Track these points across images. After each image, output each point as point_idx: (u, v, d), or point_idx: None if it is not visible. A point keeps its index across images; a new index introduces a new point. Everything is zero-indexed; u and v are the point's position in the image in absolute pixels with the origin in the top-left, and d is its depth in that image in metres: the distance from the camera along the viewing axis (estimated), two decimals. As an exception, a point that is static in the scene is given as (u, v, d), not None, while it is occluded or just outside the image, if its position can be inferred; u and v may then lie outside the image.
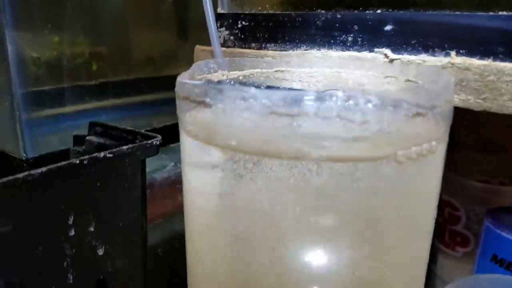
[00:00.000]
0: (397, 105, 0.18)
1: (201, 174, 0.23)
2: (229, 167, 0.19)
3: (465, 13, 0.29)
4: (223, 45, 0.42)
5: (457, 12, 0.29)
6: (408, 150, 0.19)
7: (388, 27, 0.32)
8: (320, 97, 0.17)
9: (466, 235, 0.49)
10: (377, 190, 0.19)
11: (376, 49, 0.33)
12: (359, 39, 0.33)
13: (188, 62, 0.36)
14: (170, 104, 0.56)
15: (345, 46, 0.34)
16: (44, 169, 0.24)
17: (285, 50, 0.37)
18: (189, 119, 0.21)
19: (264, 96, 0.17)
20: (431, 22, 0.30)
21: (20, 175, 0.23)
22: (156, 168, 0.47)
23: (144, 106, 0.54)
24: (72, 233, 0.27)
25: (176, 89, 0.22)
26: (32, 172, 0.23)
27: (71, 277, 0.27)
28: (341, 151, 0.18)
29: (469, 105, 0.29)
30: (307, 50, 0.36)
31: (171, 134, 0.53)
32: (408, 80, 0.28)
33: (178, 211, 0.52)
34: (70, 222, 0.26)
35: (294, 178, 0.18)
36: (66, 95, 0.45)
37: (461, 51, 0.29)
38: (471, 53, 0.29)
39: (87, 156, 0.26)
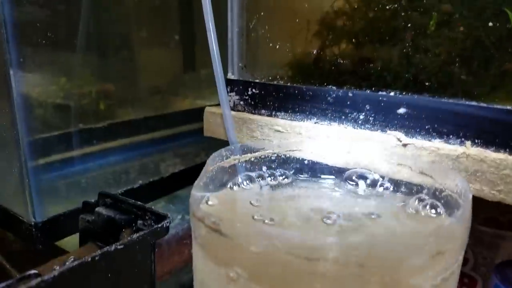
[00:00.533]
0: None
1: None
2: None
3: (482, 104, 0.29)
4: (233, 108, 0.42)
5: (474, 103, 0.29)
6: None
7: (401, 110, 0.32)
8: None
9: (473, 277, 0.49)
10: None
11: (388, 131, 0.32)
12: (371, 118, 0.33)
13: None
14: (177, 140, 0.55)
15: (356, 123, 0.34)
16: (56, 273, 0.24)
17: (296, 120, 0.37)
18: (203, 233, 0.21)
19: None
20: (446, 109, 0.30)
21: (33, 283, 0.23)
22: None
23: (152, 145, 0.53)
24: (82, 327, 0.26)
25: (190, 201, 0.22)
26: (45, 278, 0.23)
27: None
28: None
29: (483, 195, 0.29)
30: (317, 122, 0.36)
31: (178, 181, 0.53)
32: (422, 173, 0.28)
33: (185, 265, 0.51)
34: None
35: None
36: (74, 139, 0.45)
37: (476, 141, 0.29)
38: (486, 144, 0.29)
39: (98, 252, 0.26)
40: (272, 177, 0.30)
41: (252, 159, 0.31)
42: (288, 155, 0.32)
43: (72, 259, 0.28)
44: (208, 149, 0.54)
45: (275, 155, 0.31)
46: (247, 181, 0.29)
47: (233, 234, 0.19)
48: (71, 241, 0.41)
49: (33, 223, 0.39)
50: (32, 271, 0.28)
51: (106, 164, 0.48)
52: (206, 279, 0.23)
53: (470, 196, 0.22)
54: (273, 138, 0.38)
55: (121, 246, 0.27)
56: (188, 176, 0.54)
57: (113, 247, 0.27)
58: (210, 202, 0.23)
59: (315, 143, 0.32)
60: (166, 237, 0.46)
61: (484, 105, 0.29)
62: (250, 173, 0.29)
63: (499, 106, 0.28)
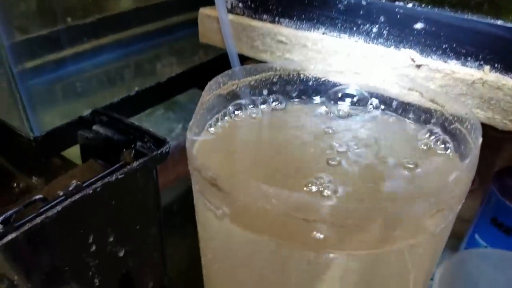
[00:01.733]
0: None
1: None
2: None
3: (508, 24, 0.26)
4: (230, 11, 0.38)
5: (499, 22, 0.26)
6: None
7: (418, 25, 0.29)
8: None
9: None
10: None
11: (402, 48, 0.30)
12: (385, 32, 0.30)
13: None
14: (172, 33, 0.51)
15: (368, 37, 0.31)
16: (59, 208, 0.24)
17: (301, 30, 0.34)
18: (201, 181, 0.21)
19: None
20: (467, 27, 0.27)
21: (38, 220, 0.23)
22: (164, 133, 0.46)
23: (145, 40, 0.50)
24: (93, 248, 0.28)
25: (186, 145, 0.21)
26: (49, 214, 0.24)
27: (97, 281, 0.29)
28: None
29: (494, 123, 0.28)
30: (325, 33, 0.33)
31: (176, 85, 0.51)
32: (433, 101, 0.26)
33: (189, 173, 0.52)
34: (90, 240, 0.27)
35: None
36: (62, 37, 0.42)
37: (496, 66, 0.27)
38: (506, 69, 0.26)
39: (99, 183, 0.26)
40: (266, 103, 0.28)
41: (252, 82, 0.29)
42: (290, 77, 0.29)
43: (74, 184, 0.28)
44: (206, 47, 0.50)
45: (278, 76, 0.29)
46: (241, 109, 0.27)
47: (231, 190, 0.18)
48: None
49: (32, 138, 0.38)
50: (38, 196, 0.29)
51: (99, 65, 0.45)
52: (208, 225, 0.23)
53: (480, 141, 0.21)
54: (275, 50, 0.35)
55: (122, 175, 0.27)
56: (186, 80, 0.52)
57: (113, 177, 0.27)
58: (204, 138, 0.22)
59: (321, 65, 0.29)
60: (168, 148, 0.47)
61: (511, 25, 0.25)
62: (241, 101, 0.28)
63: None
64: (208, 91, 0.26)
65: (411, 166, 0.22)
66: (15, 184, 0.42)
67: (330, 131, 0.26)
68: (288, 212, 0.17)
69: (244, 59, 0.38)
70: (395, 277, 0.20)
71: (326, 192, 0.19)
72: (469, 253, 0.41)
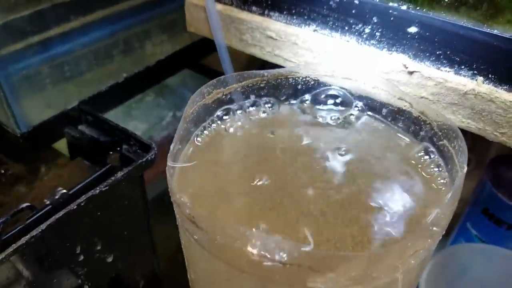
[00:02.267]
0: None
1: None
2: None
3: (505, 34, 0.24)
4: (218, 0, 0.36)
5: (495, 31, 0.25)
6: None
7: (412, 29, 0.27)
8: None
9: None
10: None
11: (395, 51, 0.28)
12: (377, 33, 0.29)
13: None
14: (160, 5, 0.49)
15: (360, 37, 0.30)
16: (43, 226, 0.24)
17: (292, 25, 0.33)
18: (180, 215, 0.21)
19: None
20: (463, 34, 0.26)
21: (27, 237, 0.23)
22: (154, 122, 0.45)
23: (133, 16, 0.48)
24: (81, 258, 0.28)
25: (167, 173, 0.21)
26: (34, 233, 0.24)
27: (87, 287, 0.30)
28: None
29: (485, 134, 0.27)
30: (316, 30, 0.32)
31: (166, 68, 0.50)
32: (423, 114, 0.25)
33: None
34: (78, 251, 0.28)
35: None
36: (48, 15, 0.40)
37: (490, 77, 0.26)
38: (500, 81, 0.25)
39: (83, 198, 0.26)
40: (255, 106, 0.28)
41: (239, 89, 0.28)
42: (279, 81, 0.28)
43: (60, 192, 0.28)
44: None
45: (265, 82, 0.28)
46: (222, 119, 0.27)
47: (209, 230, 0.18)
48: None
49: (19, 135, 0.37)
50: (25, 204, 0.29)
51: (86, 44, 0.44)
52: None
53: (465, 170, 0.20)
54: (265, 45, 0.34)
55: (106, 188, 0.27)
56: (176, 61, 0.50)
57: (97, 190, 0.26)
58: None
59: (312, 67, 0.28)
60: (158, 138, 0.46)
61: (508, 36, 0.24)
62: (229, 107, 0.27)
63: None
64: (191, 104, 0.25)
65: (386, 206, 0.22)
66: (3, 171, 0.42)
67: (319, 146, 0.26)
68: (265, 255, 0.17)
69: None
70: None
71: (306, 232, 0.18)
72: (458, 247, 0.42)
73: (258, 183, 0.22)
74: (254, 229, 0.19)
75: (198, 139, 0.26)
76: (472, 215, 0.42)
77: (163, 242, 0.41)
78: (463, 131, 0.23)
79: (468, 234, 0.43)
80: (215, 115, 0.27)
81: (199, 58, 0.55)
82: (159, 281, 0.36)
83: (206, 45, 0.52)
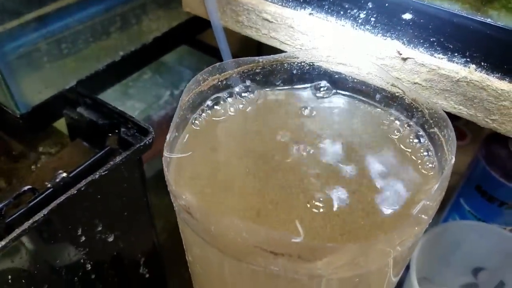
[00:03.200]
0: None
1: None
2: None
3: (499, 23, 0.24)
4: (214, -20, 0.35)
5: (489, 20, 0.25)
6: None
7: (407, 15, 0.27)
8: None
9: (464, 131, 0.49)
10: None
11: (389, 37, 0.29)
12: (372, 19, 0.29)
13: None
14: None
15: (355, 22, 0.30)
16: (45, 211, 0.25)
17: (288, 8, 0.32)
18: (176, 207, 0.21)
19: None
20: (457, 22, 0.26)
21: (30, 222, 0.24)
22: (152, 101, 0.45)
23: None
24: (83, 239, 0.29)
25: (163, 164, 0.22)
26: (37, 218, 0.25)
27: (89, 266, 0.31)
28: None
29: (476, 120, 0.28)
30: (312, 14, 0.32)
31: (163, 45, 0.50)
32: (414, 101, 0.26)
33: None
34: (79, 233, 0.29)
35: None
36: None
37: (482, 64, 0.26)
38: (492, 69, 0.26)
39: (83, 183, 0.27)
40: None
41: (234, 75, 0.28)
42: (274, 66, 0.29)
43: (61, 175, 0.29)
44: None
45: (260, 67, 0.28)
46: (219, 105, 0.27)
47: (204, 221, 0.19)
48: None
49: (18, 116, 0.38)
50: (27, 187, 0.29)
51: (83, 19, 0.43)
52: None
53: (453, 161, 0.21)
54: (261, 27, 0.34)
55: (106, 172, 0.28)
56: (173, 38, 0.50)
57: (97, 175, 0.27)
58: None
59: (308, 52, 0.28)
60: (155, 118, 0.46)
61: (501, 24, 0.24)
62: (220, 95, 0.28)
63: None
64: (187, 92, 0.25)
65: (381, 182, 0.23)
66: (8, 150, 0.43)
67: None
68: (257, 245, 0.18)
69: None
70: None
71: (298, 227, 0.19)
72: (450, 224, 0.43)
73: (253, 169, 0.23)
74: (247, 220, 0.20)
75: (196, 123, 0.27)
76: (466, 191, 0.43)
77: (164, 214, 0.42)
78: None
79: (461, 209, 0.44)
80: (210, 101, 0.28)
81: (196, 34, 0.55)
82: (159, 257, 0.38)
83: (203, 20, 0.52)
